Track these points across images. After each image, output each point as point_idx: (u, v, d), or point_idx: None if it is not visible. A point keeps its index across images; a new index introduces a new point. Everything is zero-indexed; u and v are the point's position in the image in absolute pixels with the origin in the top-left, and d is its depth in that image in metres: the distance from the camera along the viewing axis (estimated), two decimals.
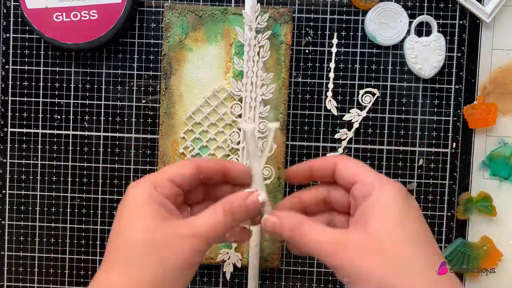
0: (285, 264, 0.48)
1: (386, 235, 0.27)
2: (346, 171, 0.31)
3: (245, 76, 0.44)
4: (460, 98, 0.47)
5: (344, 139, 0.47)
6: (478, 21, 0.47)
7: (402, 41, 0.46)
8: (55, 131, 0.48)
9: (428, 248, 0.28)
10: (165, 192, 0.29)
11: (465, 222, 0.48)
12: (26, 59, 0.48)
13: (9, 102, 0.48)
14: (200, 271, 0.48)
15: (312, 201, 0.33)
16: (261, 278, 0.48)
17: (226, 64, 0.46)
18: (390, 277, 0.26)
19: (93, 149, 0.48)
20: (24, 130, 0.48)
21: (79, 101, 0.48)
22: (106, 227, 0.48)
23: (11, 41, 0.48)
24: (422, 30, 0.47)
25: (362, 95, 0.47)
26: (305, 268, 0.48)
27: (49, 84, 0.48)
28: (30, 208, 0.48)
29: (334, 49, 0.47)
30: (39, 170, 0.48)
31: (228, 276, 0.46)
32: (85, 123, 0.48)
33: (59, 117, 0.48)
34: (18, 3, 0.47)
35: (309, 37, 0.47)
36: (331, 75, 0.47)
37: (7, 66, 0.48)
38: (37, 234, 0.48)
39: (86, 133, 0.48)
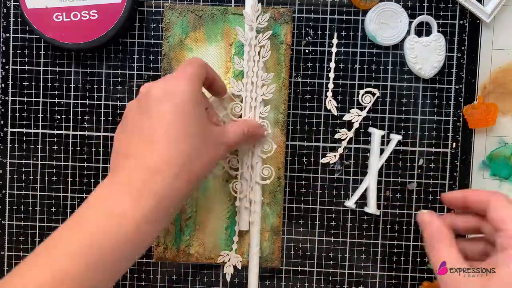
0: (285, 264, 0.48)
1: None
2: (495, 213, 0.32)
3: (245, 76, 0.44)
4: (460, 98, 0.47)
5: (344, 139, 0.47)
6: (478, 21, 0.47)
7: (402, 41, 0.46)
8: (55, 131, 0.48)
9: None
10: (198, 87, 0.36)
11: None
12: (26, 59, 0.48)
13: (9, 102, 0.48)
14: (200, 271, 0.48)
15: (464, 226, 0.36)
16: (261, 278, 0.48)
17: (226, 64, 0.46)
18: None
19: (93, 149, 0.48)
20: (24, 130, 0.48)
21: (79, 101, 0.48)
22: None
23: (11, 41, 0.48)
24: (422, 30, 0.47)
25: (362, 95, 0.47)
26: (305, 268, 0.48)
27: (49, 84, 0.48)
28: (30, 208, 0.48)
29: (334, 49, 0.47)
30: (39, 170, 0.48)
31: (228, 278, 0.46)
32: (85, 123, 0.48)
33: (59, 117, 0.48)
34: (18, 3, 0.47)
35: (309, 37, 0.47)
36: (331, 75, 0.47)
37: (7, 66, 0.48)
38: (37, 234, 0.48)
39: (86, 133, 0.48)
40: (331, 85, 0.47)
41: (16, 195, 0.48)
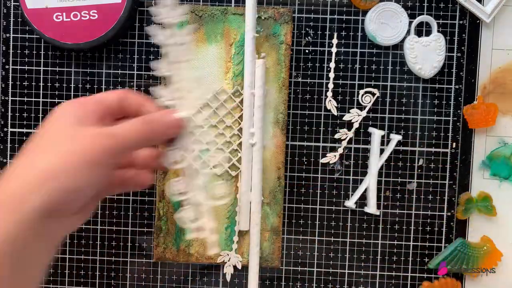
0: (285, 264, 0.48)
1: None
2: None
3: (245, 76, 0.44)
4: (460, 98, 0.47)
5: (344, 139, 0.47)
6: (478, 21, 0.47)
7: (402, 41, 0.46)
8: None
9: None
10: (90, 108, 0.30)
11: (465, 222, 0.48)
12: (26, 59, 0.48)
13: (9, 102, 0.48)
14: (200, 271, 0.48)
15: None
16: (261, 278, 0.48)
17: (226, 64, 0.46)
18: None
19: None
20: (24, 130, 0.48)
21: None
22: (106, 227, 0.48)
23: (11, 41, 0.48)
24: (422, 30, 0.47)
25: (362, 95, 0.47)
26: (305, 268, 0.48)
27: (49, 84, 0.48)
28: None
29: (334, 49, 0.47)
30: None
31: (228, 278, 0.46)
32: None
33: None
34: (18, 3, 0.47)
35: (309, 37, 0.47)
36: (331, 75, 0.47)
37: (7, 66, 0.48)
38: None
39: None
40: (331, 85, 0.47)
41: None
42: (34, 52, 0.48)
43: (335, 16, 0.47)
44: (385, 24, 0.46)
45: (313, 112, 0.47)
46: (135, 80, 0.48)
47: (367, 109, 0.47)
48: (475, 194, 0.47)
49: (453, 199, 0.48)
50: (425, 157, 0.47)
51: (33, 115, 0.48)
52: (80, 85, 0.48)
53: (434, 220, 0.48)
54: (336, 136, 0.47)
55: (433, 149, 0.47)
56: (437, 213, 0.48)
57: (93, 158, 0.27)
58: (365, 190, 0.47)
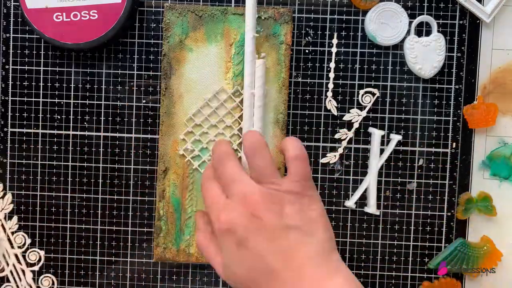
0: None
1: None
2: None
3: (245, 76, 0.44)
4: (460, 98, 0.47)
5: (344, 139, 0.47)
6: (478, 21, 0.47)
7: (402, 41, 0.46)
8: (55, 131, 0.48)
9: None
10: None
11: (465, 222, 0.48)
12: (26, 59, 0.48)
13: (9, 102, 0.48)
14: (200, 271, 0.48)
15: None
16: None
17: (226, 64, 0.46)
18: None
19: (93, 149, 0.48)
20: (24, 130, 0.48)
21: (79, 101, 0.48)
22: (106, 227, 0.48)
23: (11, 41, 0.48)
24: (422, 30, 0.47)
25: (362, 95, 0.47)
26: None
27: (49, 84, 0.48)
28: (30, 208, 0.48)
29: (334, 49, 0.47)
30: (39, 170, 0.48)
31: None
32: (85, 123, 0.48)
33: (59, 117, 0.48)
34: (18, 3, 0.47)
35: (309, 37, 0.47)
36: (331, 75, 0.47)
37: (7, 66, 0.48)
38: (37, 235, 0.48)
39: (86, 133, 0.48)
40: (331, 85, 0.47)
41: (16, 195, 0.48)
42: (34, 52, 0.48)
43: (335, 16, 0.47)
44: (385, 24, 0.46)
45: (313, 112, 0.47)
46: (135, 80, 0.48)
47: (367, 109, 0.47)
48: (475, 194, 0.48)
49: (453, 199, 0.48)
50: (425, 157, 0.47)
51: (33, 115, 0.48)
52: (80, 85, 0.48)
53: (434, 220, 0.48)
54: (336, 136, 0.47)
55: (433, 149, 0.47)
56: (437, 213, 0.48)
57: None
58: (365, 190, 0.47)
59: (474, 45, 0.47)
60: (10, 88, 0.48)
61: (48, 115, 0.48)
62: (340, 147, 0.47)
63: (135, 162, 0.48)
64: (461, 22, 0.47)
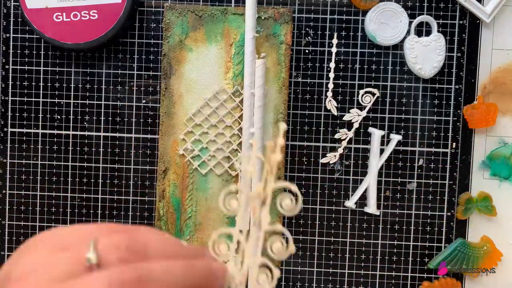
0: (285, 264, 0.48)
1: None
2: None
3: (245, 76, 0.44)
4: (460, 98, 0.47)
5: (344, 139, 0.47)
6: (478, 21, 0.47)
7: (402, 41, 0.46)
8: (55, 131, 0.48)
9: None
10: None
11: (465, 222, 0.48)
12: (26, 59, 0.48)
13: (9, 102, 0.48)
14: None
15: None
16: None
17: (226, 64, 0.46)
18: None
19: (93, 149, 0.48)
20: (24, 130, 0.48)
21: (79, 101, 0.48)
22: None
23: (11, 41, 0.48)
24: (422, 30, 0.47)
25: (362, 95, 0.47)
26: (305, 268, 0.48)
27: (49, 84, 0.48)
28: (30, 208, 0.48)
29: (334, 49, 0.47)
30: (39, 170, 0.48)
31: None
32: (85, 123, 0.48)
33: (59, 117, 0.48)
34: (18, 3, 0.47)
35: (309, 37, 0.47)
36: (331, 75, 0.47)
37: (7, 66, 0.48)
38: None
39: (86, 133, 0.48)
40: (331, 85, 0.47)
41: (16, 195, 0.48)
42: (34, 52, 0.48)
43: (335, 16, 0.47)
44: (385, 24, 0.46)
45: (313, 112, 0.47)
46: (135, 80, 0.48)
47: (367, 109, 0.47)
48: (475, 194, 0.47)
49: (453, 199, 0.48)
50: (425, 157, 0.47)
51: (33, 115, 0.48)
52: (80, 85, 0.48)
53: (434, 220, 0.48)
54: (336, 136, 0.47)
55: (433, 149, 0.47)
56: (437, 213, 0.48)
57: None
58: (365, 190, 0.47)
59: (474, 45, 0.47)
60: (10, 88, 0.48)
61: (48, 115, 0.48)
62: (340, 147, 0.47)
63: (135, 162, 0.48)
64: (461, 22, 0.47)
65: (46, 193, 0.48)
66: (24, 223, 0.48)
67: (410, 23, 0.46)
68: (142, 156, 0.48)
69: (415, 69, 0.46)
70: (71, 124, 0.48)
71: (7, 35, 0.48)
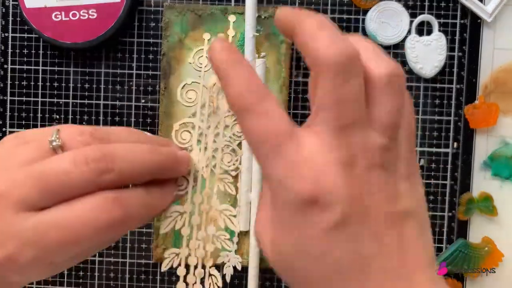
0: None
1: None
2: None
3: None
4: (461, 98, 0.47)
5: None
6: (479, 21, 0.47)
7: (403, 40, 0.46)
8: None
9: None
10: None
11: (466, 222, 0.48)
12: (25, 59, 0.47)
13: (8, 102, 0.48)
14: None
15: None
16: (262, 278, 0.48)
17: None
18: None
19: None
20: (23, 130, 0.48)
21: (78, 101, 0.48)
22: None
23: (9, 40, 0.47)
24: (423, 29, 0.47)
25: None
26: None
27: (48, 84, 0.48)
28: None
29: None
30: None
31: (228, 279, 0.46)
32: (84, 123, 0.48)
33: (58, 116, 0.48)
34: (16, 2, 0.47)
35: None
36: None
37: (5, 66, 0.47)
38: None
39: None
40: None
41: None
42: (33, 51, 0.47)
43: (335, 16, 0.47)
44: (386, 23, 0.46)
45: None
46: (134, 79, 0.47)
47: None
48: (476, 194, 0.47)
49: (454, 199, 0.47)
50: (426, 157, 0.47)
51: (31, 115, 0.48)
52: (79, 85, 0.48)
53: (435, 221, 0.47)
54: None
55: (434, 149, 0.47)
56: (438, 213, 0.47)
57: None
58: None
59: (475, 44, 0.47)
60: (8, 88, 0.48)
61: (47, 115, 0.48)
62: None
63: None
64: (462, 21, 0.47)
65: None
66: None
67: (411, 22, 0.46)
68: None
69: (416, 69, 0.46)
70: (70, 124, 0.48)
71: (6, 34, 0.47)
